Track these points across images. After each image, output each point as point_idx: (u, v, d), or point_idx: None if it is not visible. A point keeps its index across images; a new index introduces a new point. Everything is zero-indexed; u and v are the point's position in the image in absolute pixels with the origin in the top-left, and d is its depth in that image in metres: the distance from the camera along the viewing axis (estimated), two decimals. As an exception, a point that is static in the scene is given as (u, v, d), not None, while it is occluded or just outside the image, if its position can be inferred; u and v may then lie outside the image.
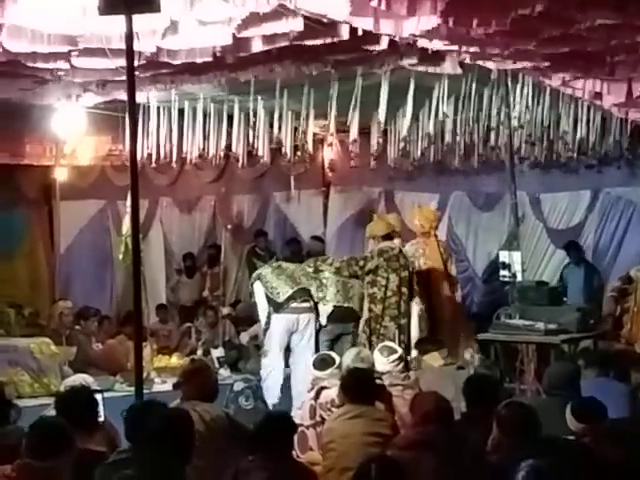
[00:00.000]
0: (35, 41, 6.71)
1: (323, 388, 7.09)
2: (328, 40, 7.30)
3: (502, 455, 5.04)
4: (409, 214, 11.15)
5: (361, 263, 9.45)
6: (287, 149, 10.83)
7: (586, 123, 10.36)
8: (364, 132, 10.49)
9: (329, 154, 12.91)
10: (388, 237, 9.59)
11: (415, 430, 5.71)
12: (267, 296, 9.55)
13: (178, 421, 4.80)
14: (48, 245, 13.60)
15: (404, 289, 9.38)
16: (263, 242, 13.08)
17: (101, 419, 5.70)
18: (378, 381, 7.18)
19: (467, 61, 7.96)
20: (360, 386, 6.52)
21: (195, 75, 8.78)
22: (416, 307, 9.44)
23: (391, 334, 9.22)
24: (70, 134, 11.22)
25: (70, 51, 7.16)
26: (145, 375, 8.45)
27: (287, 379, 9.40)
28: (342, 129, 10.54)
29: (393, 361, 7.54)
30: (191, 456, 4.73)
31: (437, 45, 6.99)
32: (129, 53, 6.04)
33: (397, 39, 7.03)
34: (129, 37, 5.96)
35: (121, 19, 5.88)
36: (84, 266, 13.63)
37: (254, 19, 6.68)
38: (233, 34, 6.91)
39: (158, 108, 10.81)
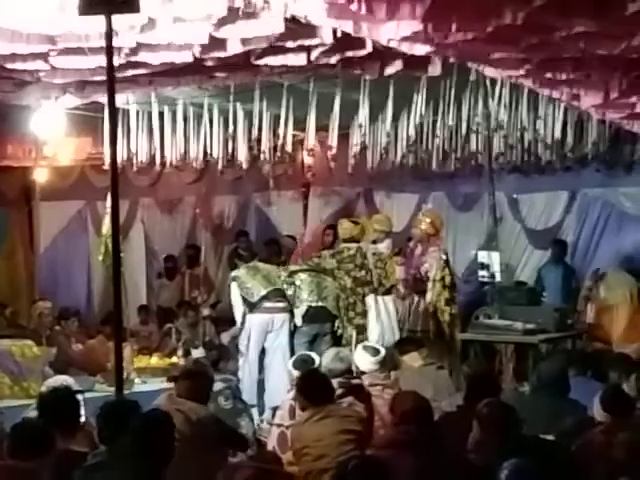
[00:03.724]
0: (14, 41, 6.70)
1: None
2: (308, 43, 7.36)
3: (481, 453, 5.09)
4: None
5: (315, 260, 9.68)
6: (266, 151, 10.86)
7: (564, 125, 10.42)
8: (344, 134, 10.52)
9: (308, 155, 12.93)
10: (351, 239, 9.74)
11: (395, 429, 5.75)
12: (242, 297, 9.61)
13: (158, 424, 4.81)
14: (28, 246, 13.59)
15: (360, 289, 9.50)
16: (245, 243, 13.10)
17: (82, 419, 5.71)
18: (356, 381, 7.23)
19: (450, 60, 8.03)
20: (316, 387, 6.54)
21: (174, 77, 8.77)
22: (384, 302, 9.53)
23: (348, 335, 9.34)
24: (50, 136, 11.19)
25: (49, 51, 7.15)
26: (125, 376, 8.45)
27: (262, 381, 9.46)
28: (322, 130, 10.58)
29: (378, 362, 7.59)
30: (170, 459, 4.73)
31: (417, 50, 7.04)
32: (109, 53, 6.05)
33: (378, 44, 7.06)
34: (109, 37, 5.97)
35: (100, 18, 5.90)
36: (64, 267, 13.62)
37: (232, 18, 6.68)
38: (210, 34, 6.92)
39: (137, 111, 10.81)
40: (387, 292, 9.73)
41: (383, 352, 7.71)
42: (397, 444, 5.41)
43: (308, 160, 12.71)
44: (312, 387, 6.56)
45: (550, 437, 5.65)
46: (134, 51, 7.15)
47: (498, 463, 4.47)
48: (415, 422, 5.56)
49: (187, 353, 10.82)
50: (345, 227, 10.03)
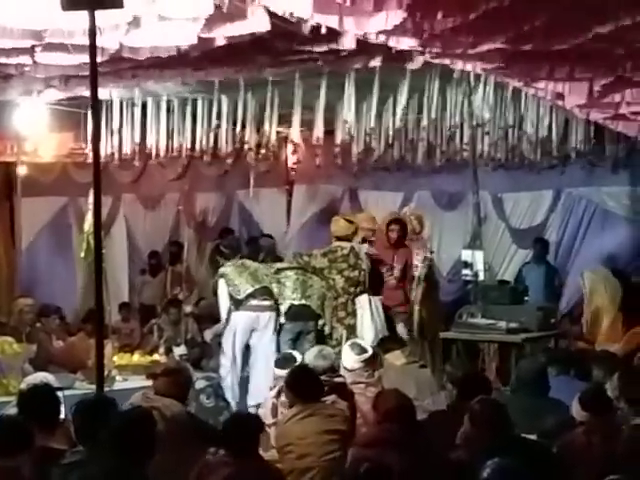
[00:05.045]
0: (-1, 36, 6.66)
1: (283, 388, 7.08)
2: (294, 39, 7.34)
3: (470, 450, 5.07)
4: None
5: (305, 258, 9.65)
6: (250, 147, 10.82)
7: (549, 123, 10.42)
8: (328, 130, 10.49)
9: (292, 152, 12.91)
10: (345, 238, 9.68)
11: (377, 428, 5.73)
12: (229, 294, 9.55)
13: (140, 421, 4.77)
14: (9, 242, 13.50)
15: (352, 289, 9.46)
16: (228, 240, 13.05)
17: (62, 417, 5.67)
18: (339, 379, 7.21)
19: (432, 60, 8.01)
20: (306, 384, 6.52)
21: (158, 71, 8.72)
22: (375, 302, 9.50)
23: (338, 335, 9.32)
24: (32, 131, 11.14)
25: (33, 46, 7.09)
26: (106, 373, 8.40)
27: (246, 379, 9.41)
28: (306, 127, 10.55)
29: (363, 360, 7.56)
30: (151, 457, 4.70)
31: (403, 44, 7.01)
32: (92, 49, 6.01)
33: (363, 38, 7.03)
34: (92, 33, 5.93)
35: (84, 14, 5.85)
36: (45, 263, 13.55)
37: (218, 17, 6.65)
38: (197, 33, 6.89)
39: (121, 105, 10.75)
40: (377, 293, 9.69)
41: (370, 351, 7.68)
42: (380, 442, 5.40)
43: (292, 157, 12.70)
44: (302, 384, 6.55)
45: (531, 437, 5.64)
46: (118, 50, 7.10)
47: (484, 460, 4.45)
48: (398, 421, 5.55)
49: (169, 351, 10.77)
50: (341, 225, 9.91)
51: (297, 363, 7.43)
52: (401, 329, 9.33)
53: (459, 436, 5.14)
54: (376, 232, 9.84)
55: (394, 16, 6.10)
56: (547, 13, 6.14)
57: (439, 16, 6.08)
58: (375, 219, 10.43)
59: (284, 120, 10.54)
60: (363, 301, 9.52)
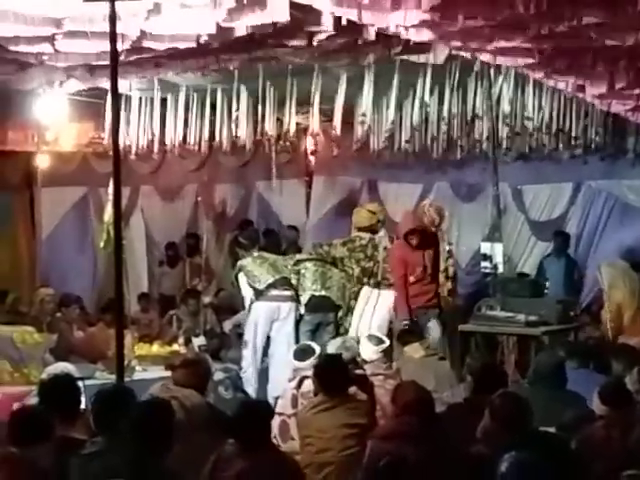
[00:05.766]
0: (18, 23, 6.66)
1: (305, 377, 7.10)
2: (314, 29, 7.33)
3: (490, 444, 5.04)
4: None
5: (325, 248, 9.68)
6: (270, 138, 10.82)
7: (570, 114, 10.38)
8: (348, 121, 10.47)
9: (312, 143, 12.89)
10: (367, 228, 9.68)
11: (396, 421, 5.73)
12: (249, 285, 9.57)
13: (159, 412, 4.79)
14: (30, 231, 13.55)
15: (366, 280, 9.50)
16: (247, 231, 13.04)
17: (83, 407, 5.69)
18: (359, 370, 7.22)
19: (453, 52, 8.00)
20: (334, 374, 6.53)
21: (178, 60, 8.73)
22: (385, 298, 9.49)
23: (347, 324, 9.35)
24: (52, 121, 11.17)
25: (54, 34, 7.11)
26: (126, 363, 8.41)
27: (265, 370, 9.43)
28: (325, 118, 10.54)
29: (381, 351, 7.57)
30: (170, 447, 4.71)
31: (423, 37, 7.00)
32: (112, 37, 6.04)
33: (383, 30, 7.02)
34: (112, 21, 5.96)
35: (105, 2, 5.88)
36: (66, 253, 13.57)
37: (239, 6, 6.65)
38: (217, 22, 6.89)
39: (140, 97, 10.77)
40: (389, 285, 9.67)
41: (387, 342, 7.70)
42: (399, 435, 5.39)
43: (311, 148, 12.70)
44: (329, 374, 6.55)
45: (550, 430, 5.62)
46: (139, 38, 7.10)
47: (503, 455, 4.44)
48: (417, 414, 5.53)
49: (188, 341, 10.79)
50: (363, 216, 9.94)
51: (316, 355, 7.45)
52: (433, 325, 9.29)
53: (479, 430, 5.11)
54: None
55: (413, 15, 6.10)
56: (573, 13, 6.12)
57: (459, 18, 6.08)
58: (383, 209, 10.44)
59: (303, 111, 10.54)
60: (364, 291, 9.54)
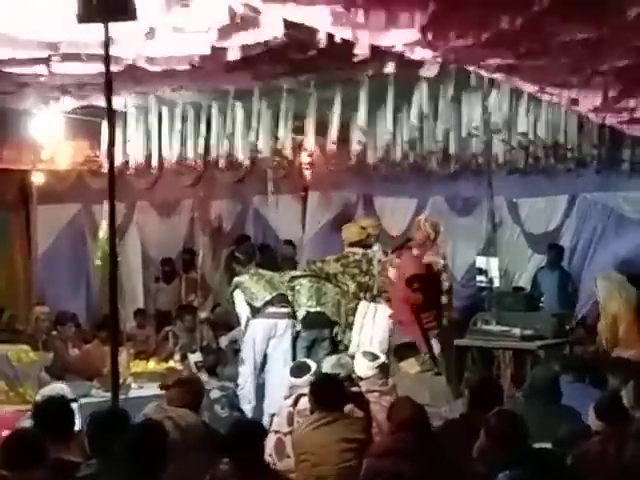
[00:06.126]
0: (13, 47, 6.68)
1: (302, 395, 7.09)
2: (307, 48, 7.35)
3: (486, 463, 5.03)
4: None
5: (319, 265, 9.69)
6: (265, 154, 10.82)
7: (565, 127, 10.38)
8: (343, 137, 10.48)
9: (307, 158, 12.91)
10: (358, 243, 9.69)
11: (392, 438, 5.73)
12: (247, 302, 9.57)
13: (152, 434, 4.78)
14: (25, 249, 13.54)
15: (362, 294, 9.49)
16: (244, 247, 13.04)
17: (77, 428, 5.69)
18: (355, 388, 7.21)
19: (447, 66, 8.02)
20: (330, 392, 6.53)
21: (173, 79, 8.75)
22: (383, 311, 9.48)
23: (347, 340, 9.34)
24: (48, 139, 11.18)
25: (49, 56, 7.13)
26: (122, 381, 8.43)
27: (262, 386, 9.41)
28: (321, 134, 10.55)
29: (376, 367, 7.57)
30: (164, 468, 4.71)
31: (417, 54, 7.02)
32: (106, 60, 6.06)
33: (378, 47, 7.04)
34: (106, 45, 5.99)
35: (100, 26, 5.90)
36: (61, 270, 13.57)
37: (232, 28, 6.67)
38: (211, 44, 6.92)
39: (135, 113, 10.78)
40: (385, 301, 9.66)
41: (382, 358, 7.70)
42: (394, 452, 5.40)
43: (307, 160, 12.70)
44: (325, 392, 6.57)
45: (545, 445, 5.62)
46: (134, 60, 7.14)
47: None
48: (412, 430, 5.55)
49: (184, 357, 10.78)
50: (353, 231, 9.98)
51: (312, 372, 7.45)
52: (434, 343, 9.27)
53: (475, 449, 5.09)
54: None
55: (407, 34, 6.13)
56: (564, 28, 6.14)
57: (452, 36, 6.10)
58: (377, 224, 10.44)
59: (299, 127, 10.55)
60: (361, 306, 9.54)
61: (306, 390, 7.05)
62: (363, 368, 7.56)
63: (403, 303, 9.33)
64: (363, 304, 9.62)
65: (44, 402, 5.71)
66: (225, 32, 6.68)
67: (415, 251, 9.69)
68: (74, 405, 5.64)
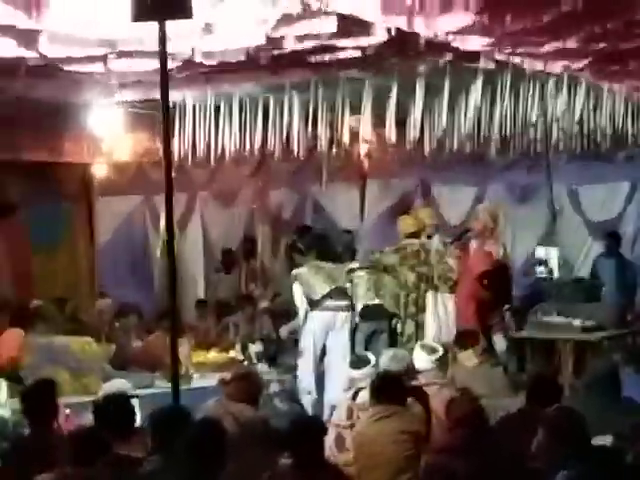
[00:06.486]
0: (71, 45, 6.76)
1: (361, 389, 7.13)
2: (363, 41, 7.35)
3: (544, 459, 4.99)
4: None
5: (377, 256, 9.66)
6: (323, 143, 10.86)
7: (625, 114, 10.27)
8: (401, 124, 10.45)
9: (365, 148, 12.91)
10: (414, 235, 9.69)
11: (450, 434, 5.74)
12: (305, 294, 9.60)
13: (211, 432, 4.85)
14: (88, 240, 13.69)
15: (422, 285, 9.47)
16: (305, 237, 13.06)
17: (138, 423, 5.77)
18: (414, 382, 7.22)
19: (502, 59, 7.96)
20: (390, 389, 6.55)
21: (230, 74, 8.81)
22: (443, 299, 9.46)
23: (410, 331, 9.32)
24: (107, 132, 11.31)
25: (106, 54, 7.21)
26: (184, 371, 8.54)
27: (321, 378, 9.43)
28: (378, 123, 10.53)
29: (435, 360, 7.57)
30: (224, 465, 4.77)
31: (472, 45, 6.99)
32: (162, 58, 6.10)
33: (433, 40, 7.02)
34: (162, 42, 6.02)
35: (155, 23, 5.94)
36: (123, 261, 13.67)
37: (287, 20, 6.70)
38: (266, 35, 6.94)
39: (194, 106, 10.85)
40: (448, 290, 9.64)
41: (441, 351, 7.69)
42: (450, 449, 5.40)
43: (365, 152, 12.69)
44: (384, 388, 6.60)
45: (607, 438, 5.57)
46: (191, 56, 7.19)
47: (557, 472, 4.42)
48: (469, 427, 5.54)
49: (245, 347, 10.85)
50: (408, 223, 9.99)
51: (371, 364, 7.47)
52: (498, 339, 9.24)
53: (534, 445, 5.05)
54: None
55: (462, 17, 6.10)
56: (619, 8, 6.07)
57: (508, 18, 6.06)
58: (433, 214, 10.42)
59: (356, 113, 10.55)
60: (429, 298, 9.52)
61: (365, 383, 7.09)
62: (422, 361, 7.57)
63: (470, 299, 9.32)
64: (430, 295, 9.56)
65: (105, 400, 5.81)
66: (280, 24, 6.71)
67: (475, 242, 9.68)
68: (134, 400, 5.71)
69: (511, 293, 9.54)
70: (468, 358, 8.09)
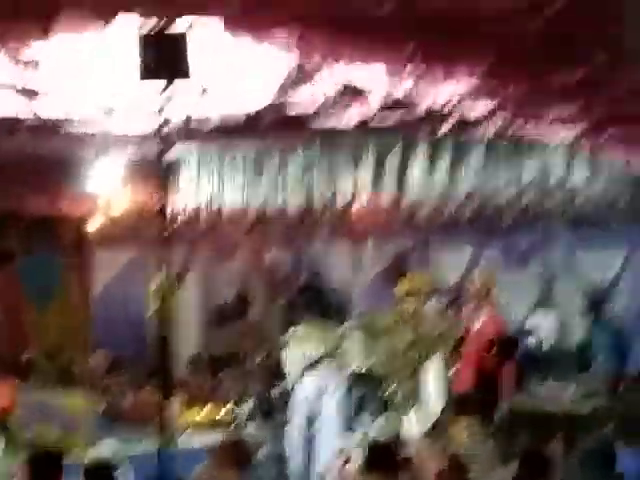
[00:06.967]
0: (70, 108, 6.82)
1: (351, 456, 7.09)
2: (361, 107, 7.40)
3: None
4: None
5: (370, 318, 9.69)
6: (319, 204, 10.89)
7: (620, 183, 10.30)
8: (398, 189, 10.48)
9: (361, 209, 12.95)
10: (410, 297, 9.71)
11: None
12: (297, 358, 9.56)
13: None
14: (83, 293, 13.70)
15: (418, 348, 9.45)
16: (300, 296, 13.11)
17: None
18: (405, 450, 7.19)
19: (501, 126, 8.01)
20: (381, 459, 6.53)
21: (228, 135, 8.87)
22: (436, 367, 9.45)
23: (399, 397, 9.28)
24: (104, 185, 11.37)
25: (105, 115, 7.27)
26: (174, 431, 8.46)
27: (311, 443, 9.35)
28: (375, 185, 10.57)
29: (429, 428, 7.54)
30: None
31: (474, 110, 7.03)
32: (161, 120, 6.15)
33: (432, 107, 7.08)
34: (166, 101, 6.08)
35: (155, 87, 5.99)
36: (117, 314, 13.69)
37: (289, 83, 6.77)
38: (267, 100, 7.01)
39: (190, 161, 10.91)
40: (447, 352, 9.61)
41: (433, 419, 7.65)
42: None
43: (361, 215, 12.73)
44: (376, 457, 6.56)
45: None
46: (186, 121, 7.25)
47: None
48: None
49: (237, 404, 10.80)
50: (405, 286, 9.98)
51: (362, 431, 7.44)
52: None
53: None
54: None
55: (465, 82, 6.15)
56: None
57: (511, 87, 6.12)
58: (429, 279, 10.43)
59: (354, 178, 10.59)
60: (422, 362, 9.49)
61: (356, 450, 7.06)
62: (414, 428, 7.53)
63: (472, 365, 9.31)
64: (426, 359, 9.53)
65: (92, 467, 5.78)
66: (282, 88, 6.77)
67: (471, 304, 9.70)
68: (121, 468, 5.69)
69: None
70: (459, 429, 8.03)
